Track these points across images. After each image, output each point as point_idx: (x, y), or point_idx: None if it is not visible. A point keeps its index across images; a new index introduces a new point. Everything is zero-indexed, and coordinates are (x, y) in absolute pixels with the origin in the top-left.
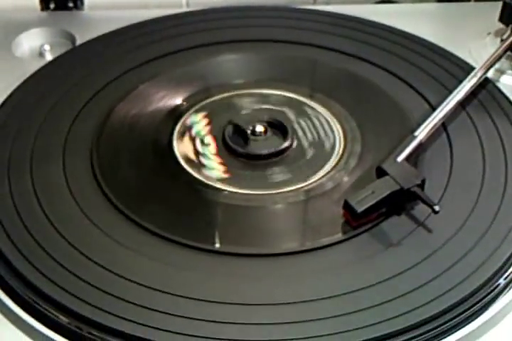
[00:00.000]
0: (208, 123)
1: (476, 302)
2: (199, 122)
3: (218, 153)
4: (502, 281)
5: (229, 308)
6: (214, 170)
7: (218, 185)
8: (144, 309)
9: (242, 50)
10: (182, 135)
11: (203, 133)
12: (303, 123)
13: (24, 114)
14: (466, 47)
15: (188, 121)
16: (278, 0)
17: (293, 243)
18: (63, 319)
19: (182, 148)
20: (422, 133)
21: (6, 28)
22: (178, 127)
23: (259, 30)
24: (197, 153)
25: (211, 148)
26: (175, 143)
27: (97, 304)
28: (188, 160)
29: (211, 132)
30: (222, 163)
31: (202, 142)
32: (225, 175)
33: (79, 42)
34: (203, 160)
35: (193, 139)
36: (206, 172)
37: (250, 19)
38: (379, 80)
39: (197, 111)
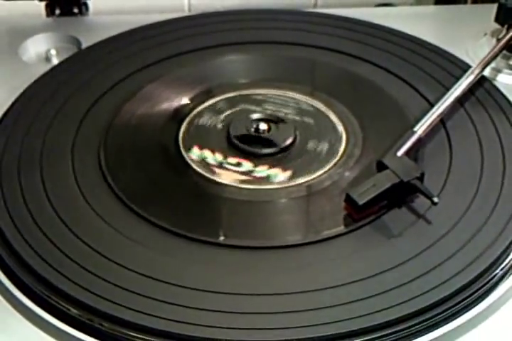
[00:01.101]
0: (223, 115)
1: (474, 292)
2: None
3: (217, 143)
4: (499, 272)
5: (236, 298)
6: (277, 175)
7: (224, 181)
8: (154, 301)
9: (245, 52)
10: (192, 121)
11: (213, 122)
12: (305, 121)
13: (33, 115)
14: (463, 48)
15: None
16: (279, 3)
17: (297, 235)
18: (74, 311)
19: (186, 134)
20: (420, 129)
21: (12, 34)
22: (183, 126)
23: (262, 33)
24: (198, 138)
25: (213, 137)
26: (180, 141)
27: (107, 296)
28: (186, 144)
29: (221, 123)
30: (215, 153)
31: (208, 130)
32: (213, 164)
33: (84, 46)
34: (200, 146)
35: (201, 126)
36: (196, 156)
37: (253, 22)
38: (379, 79)
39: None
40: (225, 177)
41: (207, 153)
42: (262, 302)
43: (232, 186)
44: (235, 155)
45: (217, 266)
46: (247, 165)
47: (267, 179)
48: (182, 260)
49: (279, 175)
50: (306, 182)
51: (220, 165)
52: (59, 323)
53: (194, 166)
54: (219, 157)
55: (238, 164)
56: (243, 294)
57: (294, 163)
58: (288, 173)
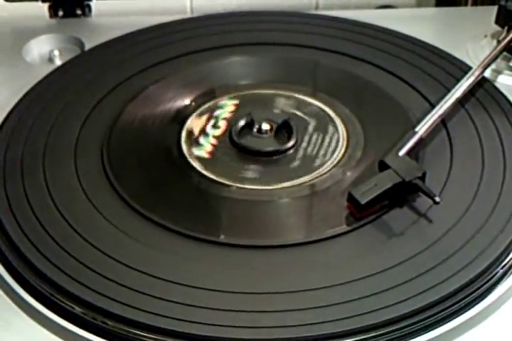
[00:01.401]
0: (226, 115)
1: (475, 290)
2: (227, 106)
3: (220, 143)
4: (500, 270)
5: (239, 297)
6: (202, 149)
7: (225, 181)
8: (157, 299)
9: (247, 53)
10: (201, 114)
11: (215, 122)
12: (308, 121)
13: (36, 116)
14: (464, 49)
15: (218, 103)
16: (281, 5)
17: (299, 235)
18: (78, 309)
19: (193, 123)
20: (422, 129)
21: (16, 35)
22: (186, 126)
23: (265, 34)
24: (202, 131)
25: (216, 137)
26: (183, 141)
27: (110, 295)
28: (189, 133)
29: (224, 123)
30: (214, 146)
31: (211, 130)
32: (217, 165)
33: (87, 47)
34: (201, 138)
35: (208, 119)
36: (194, 149)
37: (255, 24)
38: (380, 81)
39: (231, 99)
40: (192, 122)
41: (229, 107)
42: (264, 300)
43: (234, 186)
44: (241, 157)
45: (220, 264)
46: (255, 165)
47: (282, 177)
48: (185, 259)
49: (281, 174)
50: (309, 181)
51: (210, 117)
52: (62, 321)
53: (196, 166)
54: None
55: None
56: (245, 293)
57: (294, 163)
58: (290, 172)
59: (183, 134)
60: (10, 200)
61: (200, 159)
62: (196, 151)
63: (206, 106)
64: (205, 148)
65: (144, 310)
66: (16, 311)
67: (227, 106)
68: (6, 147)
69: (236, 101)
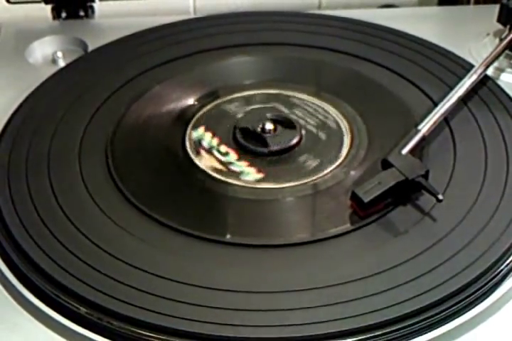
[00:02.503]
0: (230, 115)
1: (479, 288)
2: (222, 112)
3: (224, 143)
4: (504, 268)
5: (244, 296)
6: (248, 173)
7: (230, 181)
8: (163, 299)
9: (251, 53)
10: (199, 121)
11: (220, 122)
12: (311, 120)
13: (40, 117)
14: (466, 48)
15: (212, 110)
16: (284, 5)
17: (304, 234)
18: (83, 310)
19: (193, 134)
20: (425, 127)
21: (19, 37)
22: (190, 126)
23: (268, 34)
24: (205, 138)
25: (220, 137)
26: (187, 141)
27: (116, 295)
28: (193, 144)
29: (228, 123)
30: (223, 153)
31: (215, 130)
32: (220, 164)
33: (90, 49)
34: (207, 145)
35: (208, 126)
36: (204, 156)
37: (258, 24)
38: (383, 79)
39: (224, 102)
40: (203, 161)
41: (206, 135)
42: (270, 299)
43: (238, 185)
44: (229, 146)
45: (224, 264)
46: (232, 157)
47: (237, 174)
48: (191, 259)
49: (250, 175)
50: (313, 180)
51: (209, 150)
52: (67, 322)
53: (201, 166)
54: (214, 142)
55: (226, 153)
56: (251, 292)
57: (309, 158)
58: (260, 175)
59: (187, 136)
60: (15, 202)
61: (193, 139)
62: (247, 177)
63: (209, 106)
64: (249, 170)
65: (149, 309)
66: (21, 312)
67: (226, 109)
68: (11, 148)
69: (239, 102)
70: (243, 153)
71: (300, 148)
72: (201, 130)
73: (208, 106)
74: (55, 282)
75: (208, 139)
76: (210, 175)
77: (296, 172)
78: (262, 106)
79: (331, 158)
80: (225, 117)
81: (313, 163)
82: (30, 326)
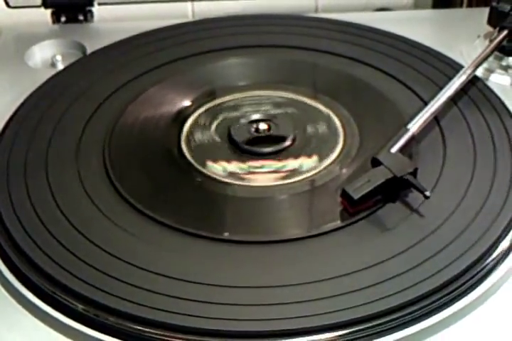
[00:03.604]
0: (224, 116)
1: (465, 281)
2: (217, 112)
3: (219, 143)
4: (490, 262)
5: (244, 291)
6: (207, 156)
7: (225, 179)
8: (160, 295)
9: (246, 55)
10: (195, 122)
11: (214, 123)
12: (304, 120)
13: (39, 118)
14: (458, 49)
15: (208, 110)
16: (281, 9)
17: (296, 230)
18: (81, 307)
19: (189, 134)
20: (414, 126)
21: (19, 41)
22: (186, 127)
23: (264, 37)
24: (200, 139)
25: (215, 137)
26: (183, 141)
27: (112, 292)
28: (189, 144)
29: (222, 123)
30: (217, 153)
31: (210, 130)
32: (215, 163)
33: (89, 52)
34: (202, 146)
35: (203, 127)
36: (199, 156)
37: (255, 26)
38: (376, 81)
39: (219, 103)
40: (261, 181)
41: (225, 165)
42: (266, 293)
43: (233, 184)
44: (224, 145)
45: (221, 260)
46: (227, 156)
47: (232, 173)
48: (187, 256)
49: (243, 174)
50: (304, 179)
51: (249, 172)
52: (66, 319)
53: (196, 165)
54: (240, 165)
55: (262, 166)
56: (247, 287)
57: (301, 157)
58: (254, 174)
59: (183, 137)
60: (13, 202)
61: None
62: (218, 171)
63: (203, 109)
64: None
65: (146, 305)
66: (19, 310)
67: (220, 110)
68: (10, 149)
69: (234, 103)
70: (237, 152)
71: (294, 148)
72: (214, 165)
73: (204, 107)
74: (52, 279)
75: (232, 167)
76: (205, 174)
77: (289, 171)
78: (257, 106)
79: (323, 157)
80: (220, 117)
81: (306, 162)
82: (28, 323)
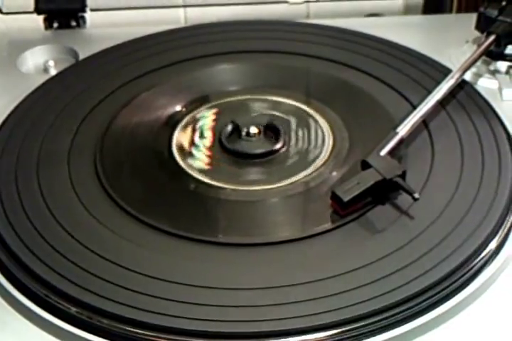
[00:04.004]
0: (214, 120)
1: (453, 282)
2: (207, 117)
3: (210, 147)
4: (477, 263)
5: (236, 293)
6: (198, 160)
7: (215, 182)
8: (153, 298)
9: (238, 61)
10: (186, 126)
11: (205, 127)
12: (295, 124)
13: (31, 123)
14: (447, 54)
15: (198, 115)
16: (273, 15)
17: (287, 232)
18: (74, 309)
19: (180, 138)
20: (403, 130)
21: (12, 46)
22: (177, 131)
23: (256, 43)
24: (192, 143)
25: (206, 142)
26: (174, 145)
27: (105, 294)
28: (180, 148)
29: (213, 128)
30: (209, 156)
31: (201, 135)
32: (207, 167)
33: (82, 58)
34: (193, 150)
35: (193, 131)
36: (190, 161)
37: (247, 32)
38: (366, 85)
39: (210, 108)
40: (230, 182)
41: (205, 162)
42: (258, 295)
43: (223, 188)
44: (215, 149)
45: (213, 262)
46: (247, 167)
47: (271, 178)
48: (179, 258)
49: (234, 177)
50: (295, 182)
51: (239, 176)
52: (58, 321)
53: (186, 169)
54: (218, 163)
55: (239, 168)
56: (239, 289)
57: (293, 160)
58: (244, 177)
59: (174, 141)
60: (4, 205)
61: (191, 166)
62: (195, 164)
63: (194, 113)
64: (203, 159)
65: (139, 308)
66: (12, 313)
67: (211, 115)
68: (1, 154)
69: (224, 108)
70: (228, 156)
71: (284, 151)
72: (211, 112)
73: (195, 112)
74: (45, 282)
75: (206, 121)
76: (196, 179)
77: (280, 174)
78: (248, 111)
79: (313, 160)
80: (211, 122)
81: (296, 165)
82: (21, 326)
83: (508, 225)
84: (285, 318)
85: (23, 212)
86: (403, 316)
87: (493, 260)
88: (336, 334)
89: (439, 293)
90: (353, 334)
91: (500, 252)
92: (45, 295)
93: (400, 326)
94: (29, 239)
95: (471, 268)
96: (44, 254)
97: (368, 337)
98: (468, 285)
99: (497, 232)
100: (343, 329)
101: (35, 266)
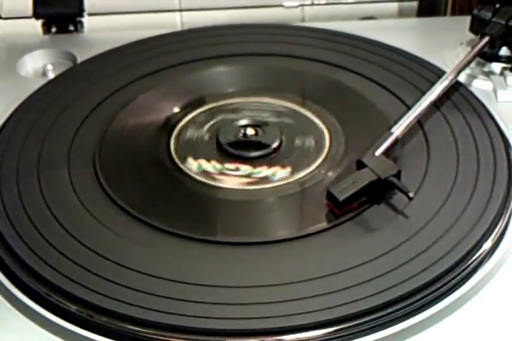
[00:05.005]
0: (212, 122)
1: (448, 281)
2: (204, 119)
3: (208, 148)
4: (472, 263)
5: (233, 291)
6: (196, 161)
7: (212, 183)
8: (151, 296)
9: (234, 64)
10: (183, 128)
11: (203, 129)
12: (291, 125)
13: (30, 125)
14: (441, 56)
15: (196, 117)
16: (269, 18)
17: (283, 232)
18: (73, 307)
19: (178, 139)
20: (397, 130)
21: (11, 51)
22: (174, 133)
23: (252, 46)
24: (190, 144)
25: (203, 143)
26: (172, 146)
27: (105, 293)
28: (178, 149)
29: (210, 129)
30: (206, 157)
31: (198, 136)
32: (204, 167)
33: (79, 61)
34: (191, 150)
35: (192, 132)
36: (188, 161)
37: (242, 36)
38: (361, 87)
39: (207, 110)
40: (230, 183)
41: (203, 163)
42: (252, 293)
43: (221, 187)
44: (230, 161)
45: (211, 261)
46: (245, 168)
47: (268, 178)
48: (178, 257)
49: (279, 172)
50: (291, 182)
51: (221, 172)
52: (58, 320)
53: (184, 169)
54: (216, 165)
55: (237, 169)
56: (236, 287)
57: (289, 160)
58: (242, 178)
59: (172, 142)
60: (5, 206)
61: (189, 166)
62: (188, 162)
63: (192, 115)
64: (206, 165)
65: (139, 306)
66: (12, 312)
67: (208, 116)
68: (2, 156)
69: (220, 110)
70: (225, 156)
71: (280, 152)
72: (192, 161)
73: (192, 114)
74: (45, 281)
75: (209, 165)
76: (194, 179)
77: (277, 174)
78: (244, 112)
79: (310, 161)
80: (208, 124)
81: (292, 165)
82: (22, 324)
83: (503, 225)
84: (280, 316)
85: (24, 213)
86: (398, 315)
87: (488, 259)
88: (330, 332)
89: (434, 292)
90: (348, 332)
91: (496, 251)
92: (46, 293)
93: (394, 325)
94: (30, 239)
95: (466, 267)
96: (45, 254)
97: (362, 335)
98: (463, 284)
99: (492, 232)
100: (338, 327)
101: (36, 265)
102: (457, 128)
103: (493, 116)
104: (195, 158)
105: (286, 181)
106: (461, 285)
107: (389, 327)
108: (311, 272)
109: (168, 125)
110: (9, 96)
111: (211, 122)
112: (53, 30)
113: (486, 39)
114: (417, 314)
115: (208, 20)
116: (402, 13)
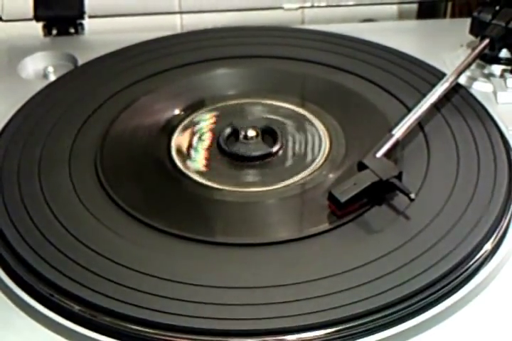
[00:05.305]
0: (213, 123)
1: (449, 282)
2: (205, 120)
3: (209, 150)
4: (473, 264)
5: (233, 292)
6: (197, 163)
7: (212, 184)
8: (153, 296)
9: (235, 66)
10: (184, 129)
11: (204, 130)
12: (292, 127)
13: (31, 128)
14: (441, 59)
15: (197, 118)
16: (269, 21)
17: (285, 233)
18: (76, 307)
19: (179, 141)
20: (398, 132)
21: (12, 53)
22: (175, 134)
23: (253, 48)
24: (190, 146)
25: (204, 144)
26: (172, 148)
27: (108, 293)
28: (179, 150)
29: (211, 131)
30: (207, 159)
31: (199, 138)
32: (205, 169)
33: (80, 64)
34: (192, 152)
35: (192, 134)
36: (189, 163)
37: (242, 38)
38: (362, 89)
39: (208, 112)
40: (230, 184)
41: (204, 165)
42: (252, 294)
43: (222, 189)
44: (231, 163)
45: (211, 262)
46: (246, 170)
47: (268, 179)
48: (178, 258)
49: (280, 174)
50: (292, 183)
51: (221, 174)
52: (61, 319)
53: (185, 171)
54: (217, 166)
55: (238, 170)
56: (237, 287)
57: (290, 162)
58: (242, 179)
59: (173, 143)
60: (7, 206)
61: (190, 168)
62: (193, 165)
63: (192, 117)
64: (200, 161)
65: (141, 306)
66: (16, 312)
67: (209, 118)
68: (4, 156)
69: (222, 111)
70: (226, 158)
71: (281, 154)
72: (210, 115)
73: (193, 116)
74: (48, 281)
75: (205, 124)
76: (195, 180)
77: (278, 176)
78: (245, 114)
79: (310, 163)
80: (210, 125)
81: (294, 167)
82: (25, 324)
83: (504, 226)
84: (281, 317)
85: (26, 213)
86: (400, 316)
87: (489, 261)
88: (331, 333)
89: (434, 293)
90: (349, 333)
91: (496, 253)
92: (49, 293)
93: (396, 326)
94: (32, 239)
95: (467, 269)
96: (47, 254)
97: (364, 336)
98: (464, 285)
99: (493, 233)
100: (339, 328)
101: (38, 265)
102: (458, 130)
103: (494, 117)
104: (196, 159)
105: (287, 183)
106: (462, 287)
107: (390, 328)
108: (313, 273)
109: (169, 126)
110: (10, 99)
111: (212, 124)
112: (54, 32)
113: (486, 41)
114: (418, 315)
115: (208, 22)
116: (402, 16)
